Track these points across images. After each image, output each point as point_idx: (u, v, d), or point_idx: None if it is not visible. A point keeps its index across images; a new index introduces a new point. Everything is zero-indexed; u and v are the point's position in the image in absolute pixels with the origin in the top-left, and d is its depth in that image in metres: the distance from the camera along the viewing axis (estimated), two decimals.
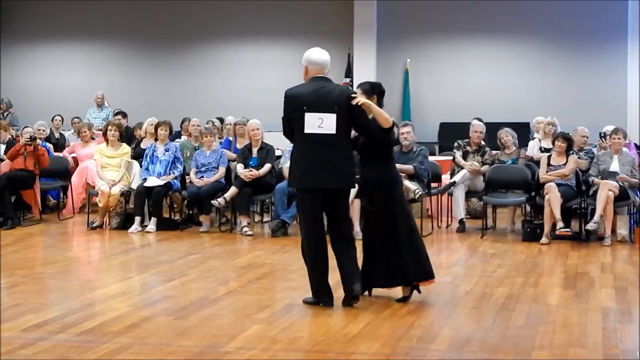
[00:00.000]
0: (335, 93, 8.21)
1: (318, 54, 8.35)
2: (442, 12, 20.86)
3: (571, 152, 12.94)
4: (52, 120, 18.83)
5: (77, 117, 19.54)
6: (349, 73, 20.89)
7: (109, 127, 14.24)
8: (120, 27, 22.71)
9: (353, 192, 12.46)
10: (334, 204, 8.24)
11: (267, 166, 13.23)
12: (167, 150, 13.78)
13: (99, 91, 20.88)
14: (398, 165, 12.57)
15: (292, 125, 8.23)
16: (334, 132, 8.11)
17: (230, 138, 14.85)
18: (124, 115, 18.32)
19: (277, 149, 14.13)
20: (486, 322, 7.66)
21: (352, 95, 8.21)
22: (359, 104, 8.10)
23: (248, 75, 21.96)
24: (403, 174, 12.54)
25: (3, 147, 15.28)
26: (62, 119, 19.28)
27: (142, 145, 14.57)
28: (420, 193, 12.50)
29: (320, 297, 8.19)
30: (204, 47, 22.39)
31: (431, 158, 14.06)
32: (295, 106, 8.17)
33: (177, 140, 15.60)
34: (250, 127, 13.67)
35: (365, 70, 20.63)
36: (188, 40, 22.39)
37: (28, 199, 14.19)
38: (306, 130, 8.11)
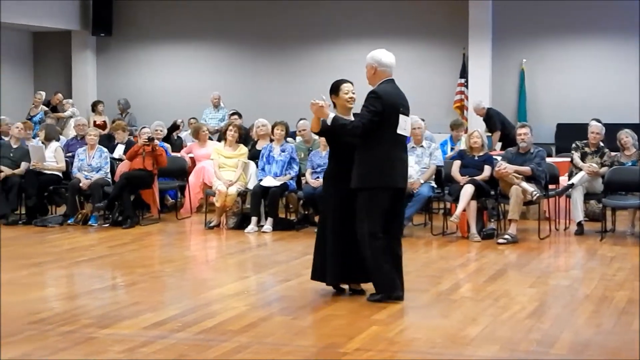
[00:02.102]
0: (405, 98, 8.60)
1: (388, 56, 8.70)
2: (557, 11, 20.52)
3: None
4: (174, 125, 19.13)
5: (193, 118, 19.74)
6: (463, 74, 20.64)
7: (230, 128, 14.38)
8: (235, 28, 22.90)
9: (469, 193, 12.41)
10: (396, 202, 8.41)
11: None
12: (283, 150, 13.85)
13: (216, 92, 21.08)
14: (516, 167, 12.53)
15: (382, 123, 8.30)
16: (409, 134, 8.70)
17: None
18: (240, 115, 18.47)
19: None
20: (606, 326, 7.54)
21: None
22: None
23: (362, 76, 21.89)
24: (520, 176, 12.43)
25: (122, 147, 15.57)
26: (183, 123, 19.54)
27: (258, 147, 14.67)
28: (537, 195, 12.33)
29: (393, 290, 8.27)
30: (318, 48, 22.41)
31: (548, 159, 13.85)
32: (392, 106, 8.36)
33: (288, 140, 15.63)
34: None
35: (480, 71, 20.42)
36: (302, 41, 22.46)
37: (147, 198, 14.38)
38: (398, 131, 8.36)
